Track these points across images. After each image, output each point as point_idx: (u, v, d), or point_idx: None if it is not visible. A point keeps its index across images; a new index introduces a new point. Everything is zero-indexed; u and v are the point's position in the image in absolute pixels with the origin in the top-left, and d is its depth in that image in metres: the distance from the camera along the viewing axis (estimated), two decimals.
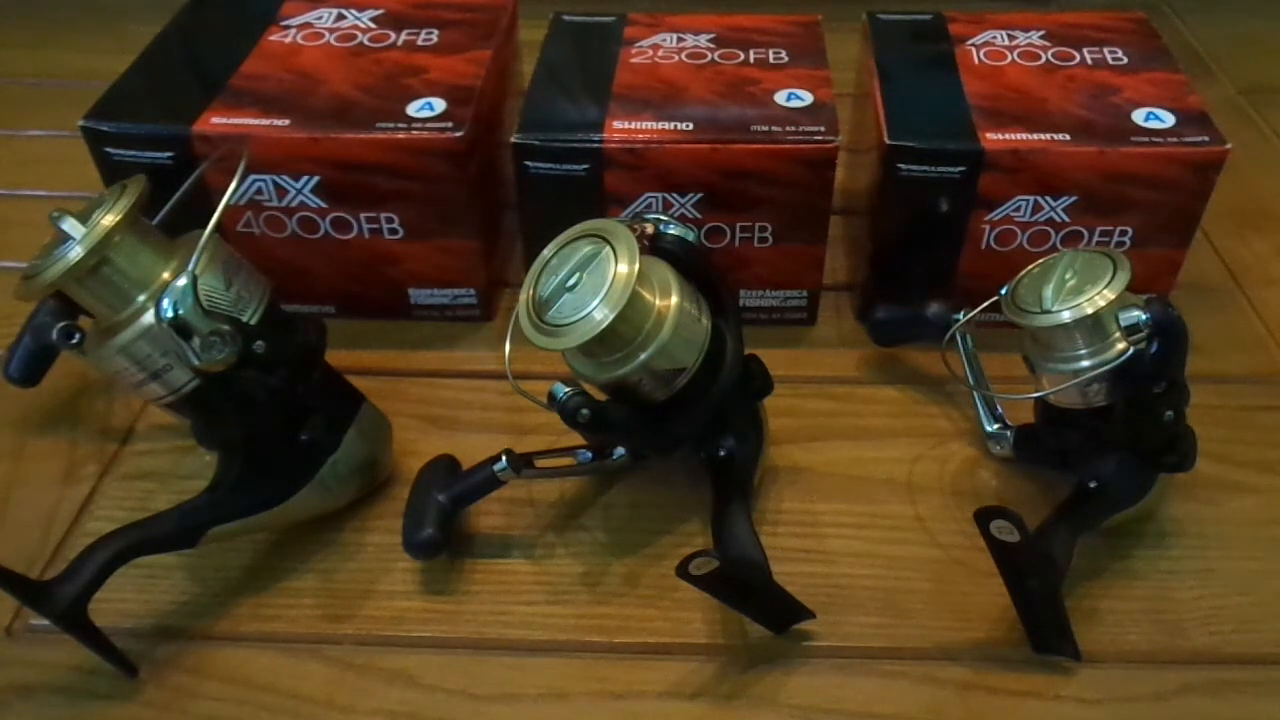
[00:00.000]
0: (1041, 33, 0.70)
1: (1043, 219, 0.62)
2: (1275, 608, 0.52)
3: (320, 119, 0.61)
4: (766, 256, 0.65)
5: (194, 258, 0.45)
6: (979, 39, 0.70)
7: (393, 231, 0.64)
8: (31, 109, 0.91)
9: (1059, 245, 0.63)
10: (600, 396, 0.51)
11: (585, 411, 0.50)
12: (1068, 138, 0.60)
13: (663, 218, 0.52)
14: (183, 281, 0.45)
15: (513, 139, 0.61)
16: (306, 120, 0.61)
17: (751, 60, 0.68)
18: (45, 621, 0.46)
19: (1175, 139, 0.60)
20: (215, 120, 0.61)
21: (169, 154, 0.61)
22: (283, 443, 0.52)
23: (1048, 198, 0.61)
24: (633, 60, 0.68)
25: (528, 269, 0.50)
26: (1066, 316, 0.48)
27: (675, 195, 0.62)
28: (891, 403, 0.64)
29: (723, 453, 0.54)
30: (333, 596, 0.53)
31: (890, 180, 0.61)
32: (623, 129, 0.61)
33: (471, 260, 0.66)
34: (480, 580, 0.54)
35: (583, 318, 0.46)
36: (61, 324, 0.47)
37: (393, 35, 0.70)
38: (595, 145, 0.61)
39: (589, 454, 0.54)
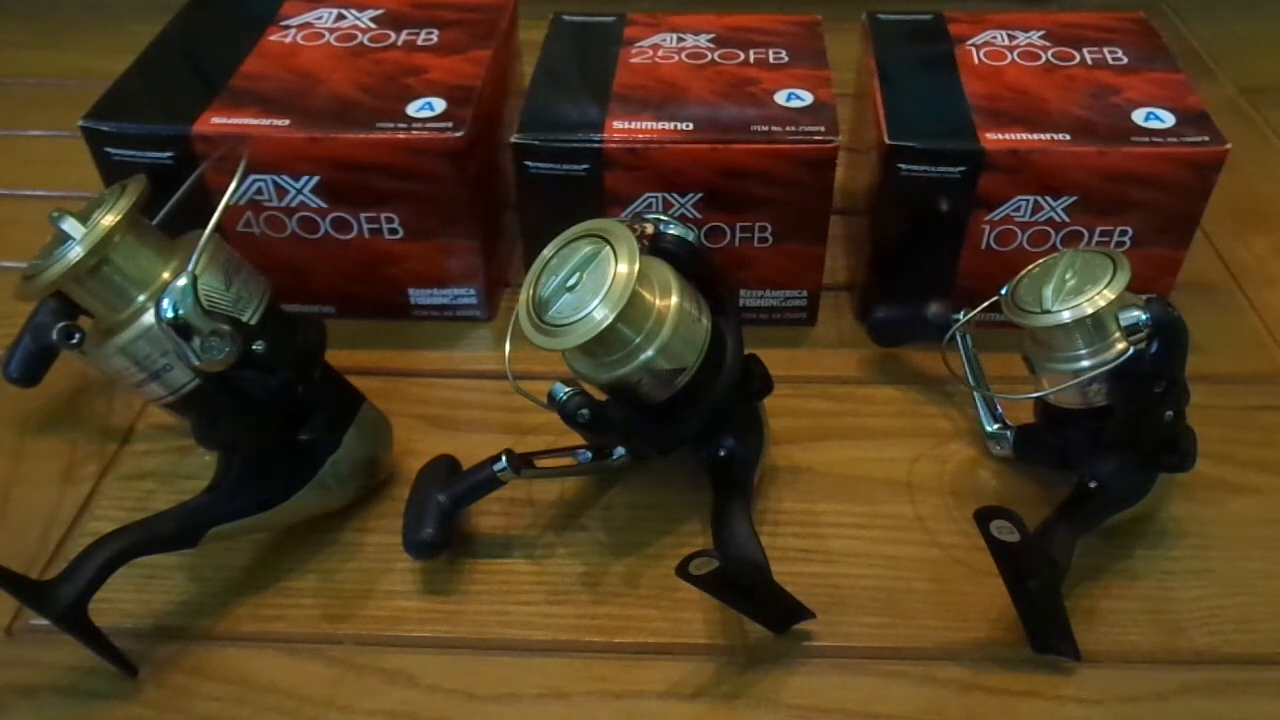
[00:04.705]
0: (1041, 33, 0.70)
1: (1043, 219, 0.62)
2: (1275, 608, 0.52)
3: (320, 119, 0.61)
4: (766, 256, 0.65)
5: (194, 258, 0.45)
6: (979, 39, 0.70)
7: (393, 231, 0.64)
8: (31, 109, 0.91)
9: (1059, 245, 0.63)
10: (600, 396, 0.51)
11: (585, 411, 0.50)
12: (1068, 138, 0.60)
13: (663, 218, 0.52)
14: (183, 281, 0.45)
15: (513, 139, 0.61)
16: (306, 120, 0.61)
17: (751, 60, 0.68)
18: (45, 621, 0.46)
19: (1175, 139, 0.60)
20: (215, 120, 0.61)
21: (169, 154, 0.61)
22: (283, 443, 0.52)
23: (1048, 198, 0.61)
24: (633, 60, 0.68)
25: (528, 269, 0.50)
26: (1066, 316, 0.48)
27: (675, 195, 0.62)
28: (891, 403, 0.64)
29: (723, 453, 0.54)
30: (333, 596, 0.53)
31: (890, 180, 0.61)
32: (623, 129, 0.61)
33: (471, 260, 0.66)
34: (480, 580, 0.54)
35: (583, 318, 0.46)
36: (61, 324, 0.47)
37: (393, 35, 0.70)
38: (595, 145, 0.61)
39: (589, 454, 0.54)
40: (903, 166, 0.61)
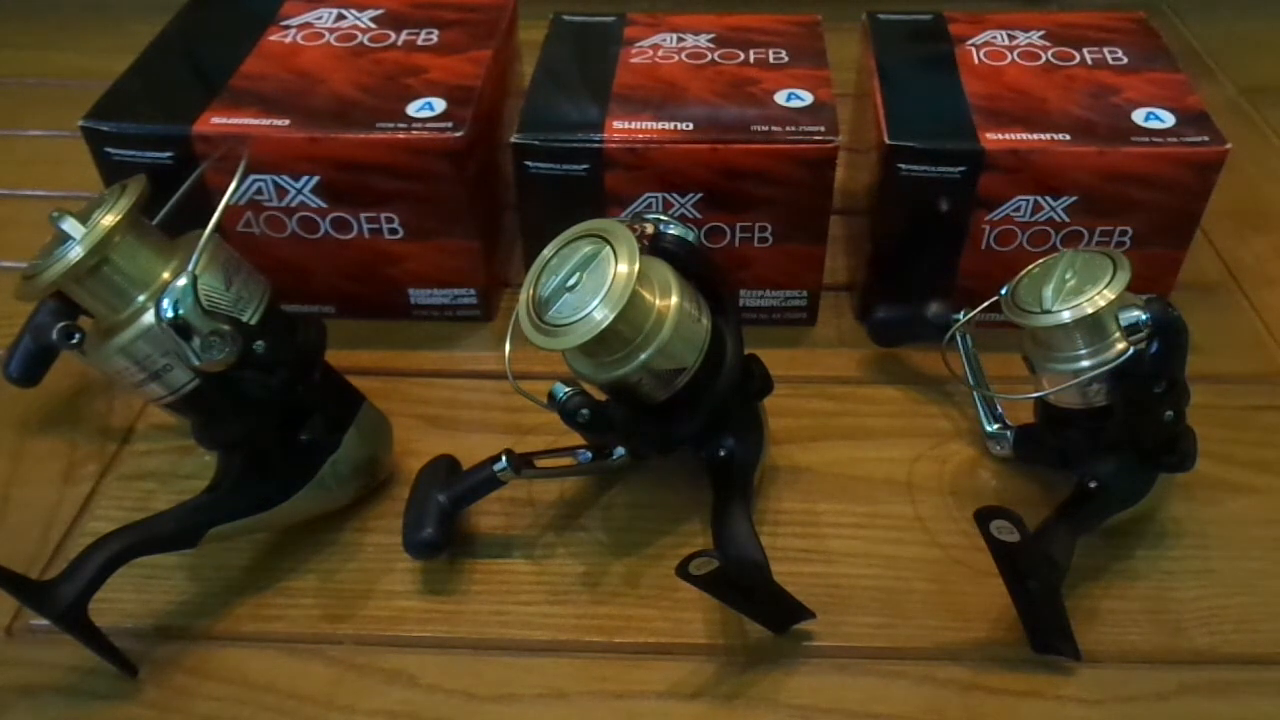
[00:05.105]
0: (1041, 33, 0.70)
1: (1043, 219, 0.62)
2: (1275, 608, 0.52)
3: (320, 119, 0.61)
4: (766, 256, 0.65)
5: (194, 258, 0.45)
6: (979, 39, 0.70)
7: (393, 231, 0.64)
8: (31, 109, 0.91)
9: (1059, 245, 0.63)
10: (600, 396, 0.51)
11: (585, 411, 0.50)
12: (1068, 138, 0.60)
13: (663, 218, 0.52)
14: (183, 281, 0.45)
15: (513, 139, 0.61)
16: (306, 120, 0.61)
17: (751, 60, 0.68)
18: (45, 621, 0.46)
19: (1175, 139, 0.60)
20: (215, 120, 0.61)
21: (169, 154, 0.61)
22: (283, 443, 0.52)
23: (1048, 198, 0.61)
24: (633, 60, 0.68)
25: (528, 269, 0.50)
26: (1066, 316, 0.48)
27: (675, 195, 0.62)
28: (891, 403, 0.64)
29: (723, 453, 0.54)
30: (333, 596, 0.53)
31: (890, 180, 0.61)
32: (623, 129, 0.61)
33: (471, 260, 0.66)
34: (480, 580, 0.54)
35: (583, 318, 0.46)
36: (61, 324, 0.47)
37: (393, 35, 0.70)
38: (595, 145, 0.61)
39: (589, 454, 0.54)
40: (903, 166, 0.61)
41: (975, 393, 0.61)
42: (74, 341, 0.47)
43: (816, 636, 0.51)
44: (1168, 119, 0.62)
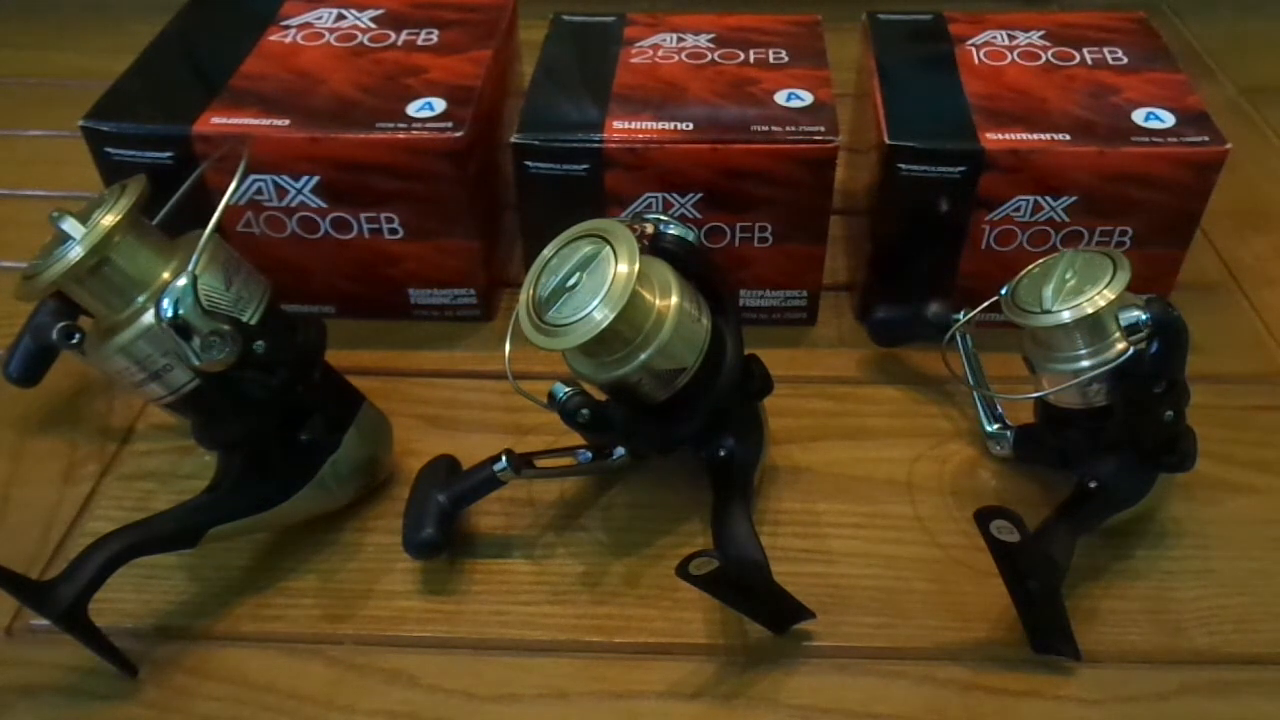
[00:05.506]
0: (1041, 33, 0.70)
1: (1043, 219, 0.62)
2: (1275, 608, 0.52)
3: (320, 119, 0.61)
4: (766, 256, 0.65)
5: (194, 258, 0.45)
6: (979, 39, 0.70)
7: (393, 231, 0.64)
8: (31, 109, 0.91)
9: (1059, 245, 0.63)
10: (600, 396, 0.51)
11: (585, 411, 0.50)
12: (1068, 138, 0.60)
13: (663, 218, 0.52)
14: (183, 281, 0.45)
15: (513, 139, 0.61)
16: (306, 120, 0.61)
17: (751, 60, 0.68)
18: (45, 621, 0.46)
19: (1175, 139, 0.60)
20: (215, 120, 0.61)
21: (169, 154, 0.61)
22: (283, 443, 0.52)
23: (1048, 198, 0.61)
24: (633, 60, 0.68)
25: (528, 269, 0.50)
26: (1066, 316, 0.48)
27: (675, 195, 0.62)
28: (891, 403, 0.64)
29: (723, 453, 0.54)
30: (333, 596, 0.53)
31: (890, 180, 0.61)
32: (623, 129, 0.61)
33: (471, 260, 0.66)
34: (480, 580, 0.54)
35: (583, 318, 0.46)
36: (61, 324, 0.47)
37: (393, 35, 0.70)
38: (595, 145, 0.61)
39: (589, 454, 0.54)
40: (903, 166, 0.61)
41: (975, 393, 0.61)
42: (74, 341, 0.47)
43: (816, 636, 0.51)
44: (1168, 119, 0.62)
